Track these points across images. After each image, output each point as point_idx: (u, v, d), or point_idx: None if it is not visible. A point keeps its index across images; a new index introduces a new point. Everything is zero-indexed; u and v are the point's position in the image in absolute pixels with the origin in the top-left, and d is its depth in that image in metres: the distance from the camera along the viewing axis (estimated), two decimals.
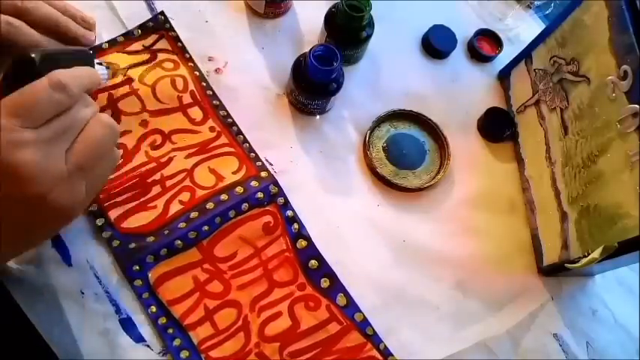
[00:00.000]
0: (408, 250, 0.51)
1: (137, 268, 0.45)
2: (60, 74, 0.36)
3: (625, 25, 0.42)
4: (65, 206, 0.37)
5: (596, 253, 0.43)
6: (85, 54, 0.43)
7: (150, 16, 0.55)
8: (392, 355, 0.47)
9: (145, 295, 0.44)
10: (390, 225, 0.52)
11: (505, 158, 0.58)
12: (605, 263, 0.44)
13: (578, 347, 0.51)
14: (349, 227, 0.51)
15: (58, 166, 0.36)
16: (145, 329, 0.44)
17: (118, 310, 0.44)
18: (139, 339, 0.43)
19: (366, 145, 0.54)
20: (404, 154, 0.56)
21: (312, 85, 0.52)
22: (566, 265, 0.47)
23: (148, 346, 0.43)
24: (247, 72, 0.56)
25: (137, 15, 0.55)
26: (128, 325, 0.43)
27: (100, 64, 0.45)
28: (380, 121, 0.56)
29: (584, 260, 0.45)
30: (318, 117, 0.56)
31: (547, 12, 0.67)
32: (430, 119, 0.57)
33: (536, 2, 0.66)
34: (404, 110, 0.57)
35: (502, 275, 0.52)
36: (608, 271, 0.53)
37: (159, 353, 0.43)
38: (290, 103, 0.55)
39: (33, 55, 0.36)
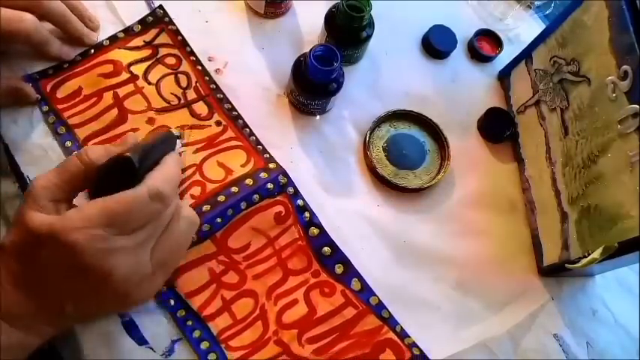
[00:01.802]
0: (409, 251, 0.51)
1: None
2: (158, 183, 0.37)
3: (625, 25, 0.42)
4: (145, 298, 0.40)
5: (596, 254, 0.43)
6: (171, 137, 0.43)
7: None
8: (409, 336, 0.47)
9: (163, 288, 0.44)
10: (391, 225, 0.52)
11: (505, 158, 0.58)
12: (605, 263, 0.44)
13: (579, 347, 0.51)
14: (349, 227, 0.51)
15: (146, 267, 0.37)
16: (148, 331, 0.44)
17: (121, 313, 0.43)
18: (141, 341, 0.43)
19: (366, 146, 0.54)
20: (404, 154, 0.55)
21: (312, 85, 0.52)
22: (566, 265, 0.47)
23: (151, 348, 0.43)
24: (247, 72, 0.56)
25: (137, 14, 0.55)
26: (131, 327, 0.43)
27: (178, 136, 0.45)
28: (380, 122, 0.56)
29: (584, 260, 0.45)
30: (318, 117, 0.56)
31: (547, 12, 0.67)
32: (430, 119, 0.57)
33: (536, 2, 0.66)
34: (404, 110, 0.57)
35: (502, 275, 0.52)
36: (608, 271, 0.53)
37: (162, 355, 0.43)
38: (290, 103, 0.55)
39: (132, 158, 0.36)
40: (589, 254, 0.44)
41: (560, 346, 0.50)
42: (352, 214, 0.52)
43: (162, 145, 0.42)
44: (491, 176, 0.57)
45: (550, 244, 0.51)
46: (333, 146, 0.55)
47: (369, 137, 0.55)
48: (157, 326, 0.44)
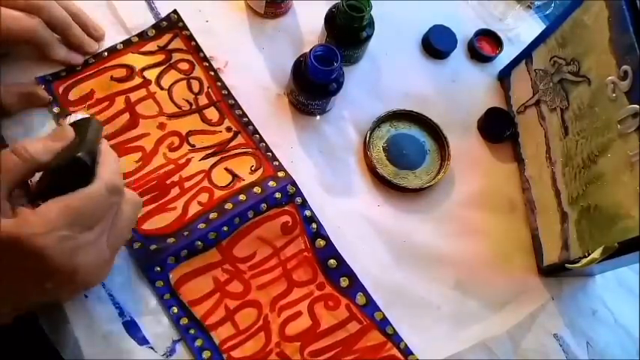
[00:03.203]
0: (409, 251, 0.51)
1: (158, 269, 0.45)
2: (112, 176, 0.37)
3: (625, 25, 0.42)
4: (103, 280, 0.41)
5: (596, 254, 0.43)
6: (91, 122, 0.41)
7: (152, 16, 0.55)
8: (412, 354, 0.47)
9: (167, 296, 0.45)
10: (391, 225, 0.52)
11: (505, 158, 0.58)
12: (605, 263, 0.44)
13: (579, 347, 0.51)
14: (349, 227, 0.51)
15: (105, 254, 0.38)
16: (149, 331, 0.44)
17: (121, 313, 0.43)
18: (142, 341, 0.43)
19: (367, 146, 0.54)
20: (404, 154, 0.56)
21: (312, 85, 0.52)
22: (566, 265, 0.47)
23: (152, 348, 0.43)
24: (247, 72, 0.56)
25: (137, 15, 0.55)
26: (132, 327, 0.43)
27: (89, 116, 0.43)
28: (380, 122, 0.56)
29: (584, 260, 0.45)
30: (318, 117, 0.56)
31: (547, 12, 0.67)
32: (430, 119, 0.57)
33: (536, 2, 0.66)
34: (404, 110, 0.57)
35: (502, 275, 0.52)
36: (608, 271, 0.53)
37: (162, 355, 0.43)
38: (290, 103, 0.55)
39: (85, 160, 0.36)
40: (589, 254, 0.44)
41: (560, 346, 0.50)
42: (352, 214, 0.52)
43: (97, 134, 0.41)
44: (491, 176, 0.57)
45: (550, 244, 0.51)
46: (333, 146, 0.55)
47: (369, 137, 0.55)
48: (158, 326, 0.44)
